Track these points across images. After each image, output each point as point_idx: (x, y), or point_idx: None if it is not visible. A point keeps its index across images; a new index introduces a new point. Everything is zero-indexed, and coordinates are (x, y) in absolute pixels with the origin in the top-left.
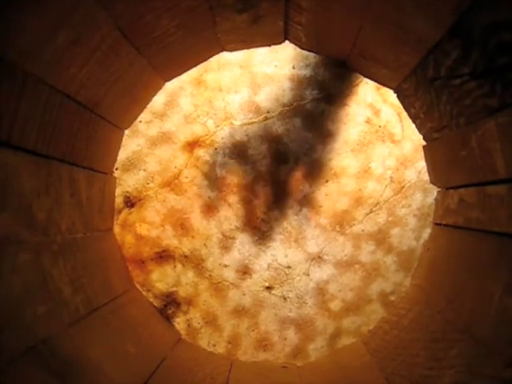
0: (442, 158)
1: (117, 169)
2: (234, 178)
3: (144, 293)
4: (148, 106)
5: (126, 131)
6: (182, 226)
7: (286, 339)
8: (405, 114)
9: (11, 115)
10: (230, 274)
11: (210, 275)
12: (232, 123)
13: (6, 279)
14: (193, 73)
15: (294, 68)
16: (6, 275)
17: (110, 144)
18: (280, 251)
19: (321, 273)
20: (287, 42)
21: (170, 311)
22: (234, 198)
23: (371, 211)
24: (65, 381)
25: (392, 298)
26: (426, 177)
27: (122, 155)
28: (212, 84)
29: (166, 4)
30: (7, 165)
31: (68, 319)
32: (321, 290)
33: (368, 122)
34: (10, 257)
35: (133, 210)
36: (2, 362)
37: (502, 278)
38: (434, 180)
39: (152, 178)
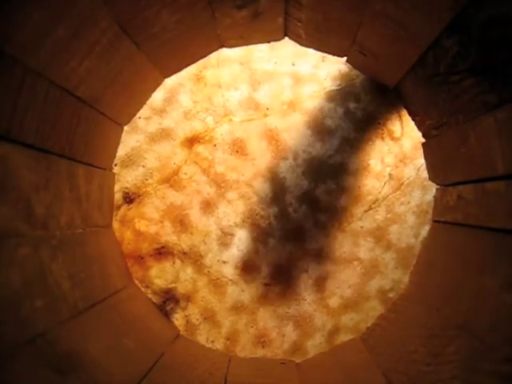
0: (441, 155)
1: (116, 165)
2: (232, 175)
3: (143, 289)
4: (147, 102)
5: (125, 127)
6: (181, 223)
7: (284, 335)
8: (404, 112)
9: (10, 109)
10: (228, 271)
11: (209, 271)
12: (231, 120)
13: (4, 272)
14: (192, 69)
15: (293, 65)
16: (5, 268)
17: (109, 140)
18: (279, 248)
19: (320, 269)
20: (287, 38)
21: (168, 307)
22: (232, 195)
23: (370, 208)
24: (63, 375)
25: (391, 295)
26: (425, 174)
27: (121, 151)
28: (211, 80)
29: None
30: (6, 159)
31: (67, 313)
32: (319, 287)
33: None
34: (8, 250)
35: (132, 206)
36: (0, 354)
37: (499, 273)
38: (432, 177)
39: (151, 174)
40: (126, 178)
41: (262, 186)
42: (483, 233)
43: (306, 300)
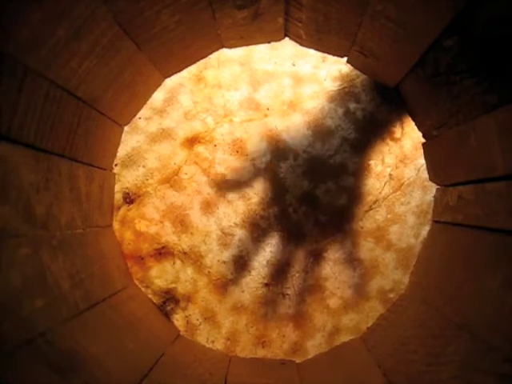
0: (442, 155)
1: (116, 165)
2: (233, 175)
3: (143, 289)
4: (148, 102)
5: (126, 127)
6: (182, 223)
7: (284, 336)
8: (404, 112)
9: (11, 109)
10: (229, 271)
11: (209, 272)
12: (231, 120)
13: (4, 272)
14: (192, 69)
15: (293, 65)
16: (5, 268)
17: (109, 140)
18: (279, 248)
19: (319, 270)
20: (287, 38)
21: (168, 307)
22: (233, 195)
23: (370, 208)
24: (63, 375)
25: (391, 296)
26: (425, 174)
27: (122, 151)
28: (212, 81)
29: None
30: (6, 158)
31: (67, 314)
32: (319, 287)
33: None
34: (8, 250)
35: (132, 206)
36: (0, 354)
37: (500, 273)
38: (433, 177)
39: (151, 174)
40: (126, 179)
41: (262, 186)
42: (483, 233)
43: (306, 300)
